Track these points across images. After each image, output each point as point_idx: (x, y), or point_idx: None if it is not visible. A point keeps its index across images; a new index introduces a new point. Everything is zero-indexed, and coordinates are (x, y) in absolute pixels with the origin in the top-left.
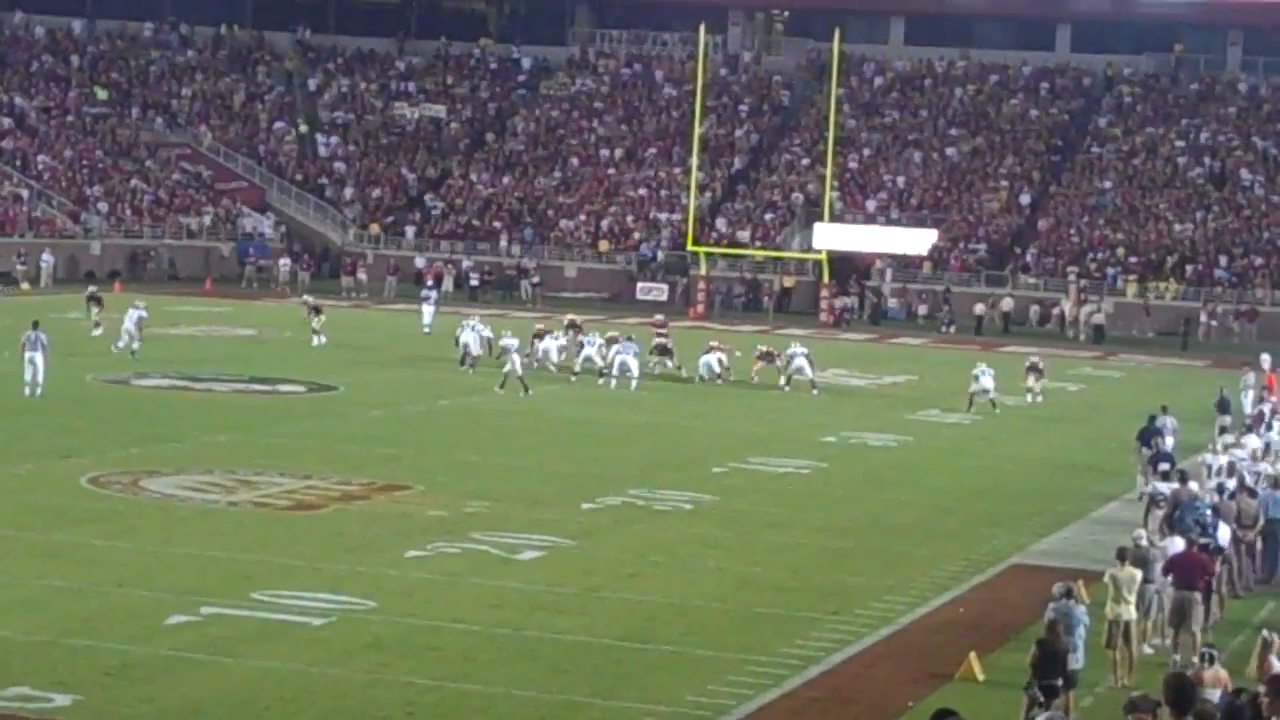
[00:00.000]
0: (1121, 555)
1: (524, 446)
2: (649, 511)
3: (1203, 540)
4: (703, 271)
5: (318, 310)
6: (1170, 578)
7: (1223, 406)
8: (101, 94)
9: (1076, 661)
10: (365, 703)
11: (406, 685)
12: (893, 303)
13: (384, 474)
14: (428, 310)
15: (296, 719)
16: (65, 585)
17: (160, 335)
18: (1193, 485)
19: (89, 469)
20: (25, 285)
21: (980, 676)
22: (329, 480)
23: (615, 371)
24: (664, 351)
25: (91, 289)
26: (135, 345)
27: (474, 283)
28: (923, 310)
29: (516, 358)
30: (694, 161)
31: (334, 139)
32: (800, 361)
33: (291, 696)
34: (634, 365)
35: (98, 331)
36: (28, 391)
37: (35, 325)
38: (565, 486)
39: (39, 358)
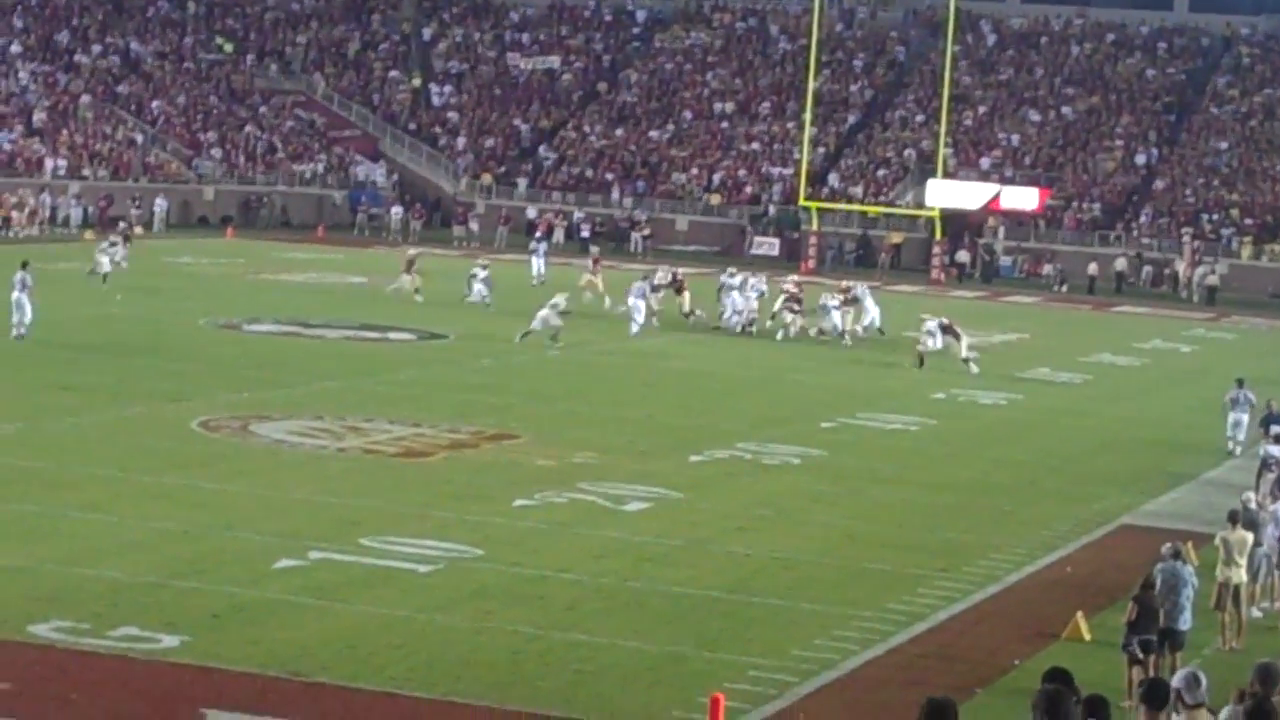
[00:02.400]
0: (1233, 518)
1: (632, 398)
2: (757, 465)
3: None
4: (814, 227)
5: (411, 265)
6: None
7: None
8: (228, 47)
9: (1184, 623)
10: (471, 650)
11: (512, 633)
12: (1005, 260)
13: (492, 423)
14: (537, 262)
15: (401, 665)
16: (174, 527)
17: (271, 281)
18: None
19: (199, 412)
20: (139, 229)
21: (1087, 636)
22: (438, 428)
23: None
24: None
25: (122, 225)
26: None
27: (585, 234)
28: (1040, 269)
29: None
30: (807, 116)
31: (448, 88)
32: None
33: (397, 643)
34: (640, 308)
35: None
36: (14, 333)
37: (24, 265)
38: (673, 438)
39: (25, 299)
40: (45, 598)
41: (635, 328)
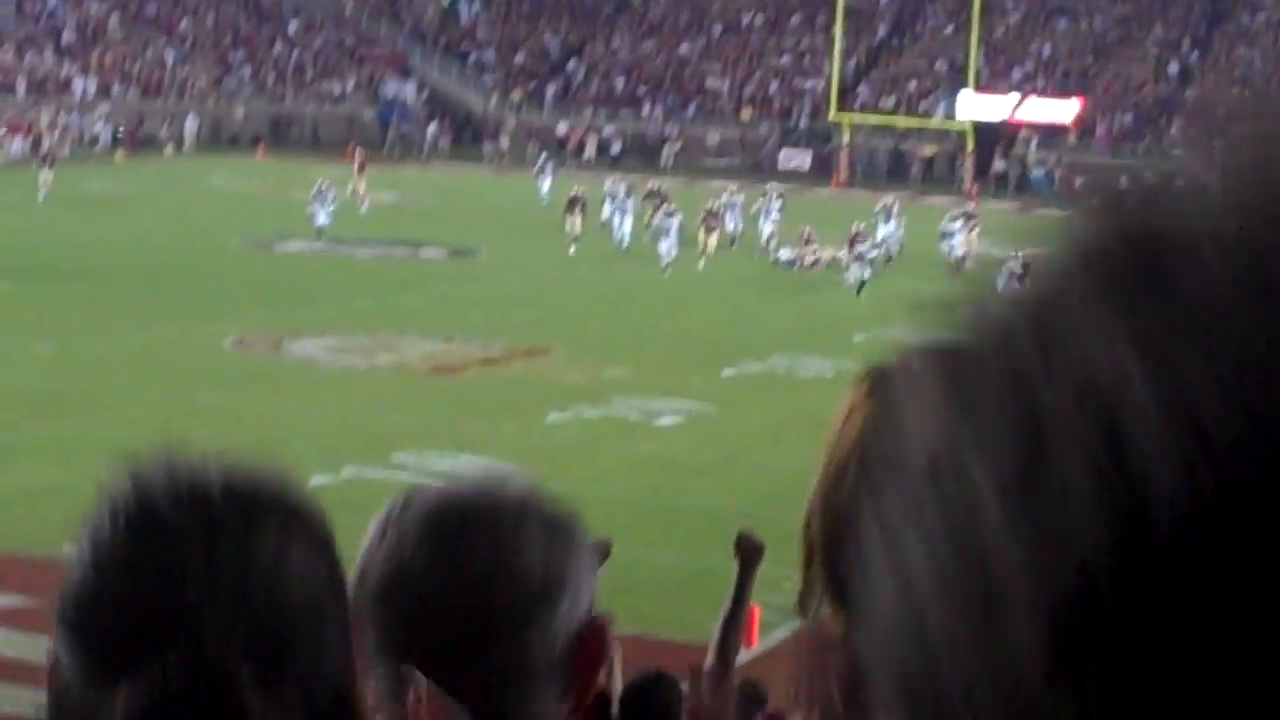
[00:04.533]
0: None
1: (664, 311)
2: (790, 378)
3: None
4: (845, 140)
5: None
6: None
7: None
8: None
9: None
10: None
11: None
12: (1038, 172)
13: (524, 338)
14: (544, 181)
15: None
16: (206, 446)
17: (302, 200)
18: None
19: (231, 332)
20: (169, 149)
21: None
22: (469, 344)
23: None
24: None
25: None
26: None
27: (615, 151)
28: (1075, 180)
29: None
30: (838, 29)
31: (475, 3)
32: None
33: None
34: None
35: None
36: None
37: None
38: (706, 352)
39: None
40: (79, 516)
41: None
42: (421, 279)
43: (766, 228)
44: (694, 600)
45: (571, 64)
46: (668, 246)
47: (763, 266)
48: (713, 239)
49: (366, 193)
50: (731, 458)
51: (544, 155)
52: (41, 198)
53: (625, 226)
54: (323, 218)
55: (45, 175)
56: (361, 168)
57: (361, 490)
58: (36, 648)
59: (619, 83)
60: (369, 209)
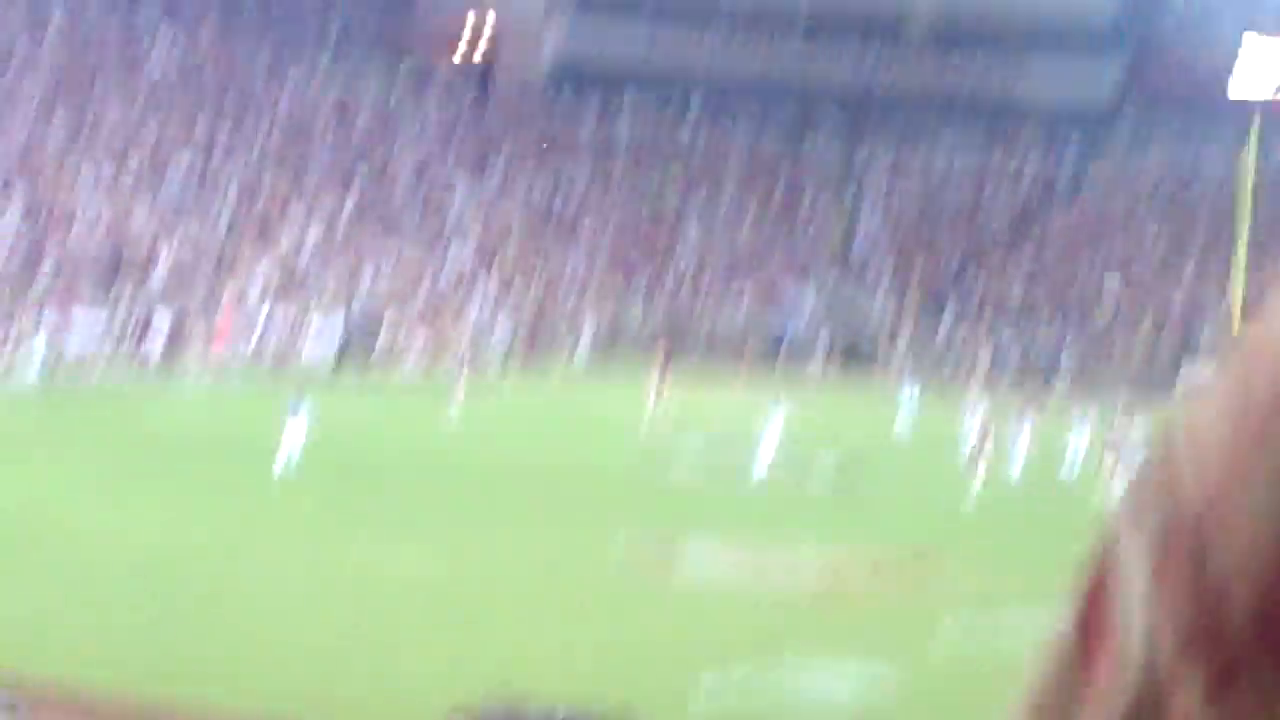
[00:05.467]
0: None
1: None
2: None
3: None
4: None
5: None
6: None
7: None
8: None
9: None
10: None
11: None
12: None
13: (915, 539)
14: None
15: None
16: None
17: (689, 417)
18: None
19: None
20: (564, 362)
21: None
22: (857, 551)
23: None
24: None
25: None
26: None
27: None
28: None
29: None
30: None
31: (876, 222)
32: None
33: None
34: None
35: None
36: None
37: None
38: None
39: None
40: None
41: None
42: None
43: None
44: None
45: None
46: None
47: None
48: None
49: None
50: None
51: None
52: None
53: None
54: None
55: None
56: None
57: (751, 701)
58: None
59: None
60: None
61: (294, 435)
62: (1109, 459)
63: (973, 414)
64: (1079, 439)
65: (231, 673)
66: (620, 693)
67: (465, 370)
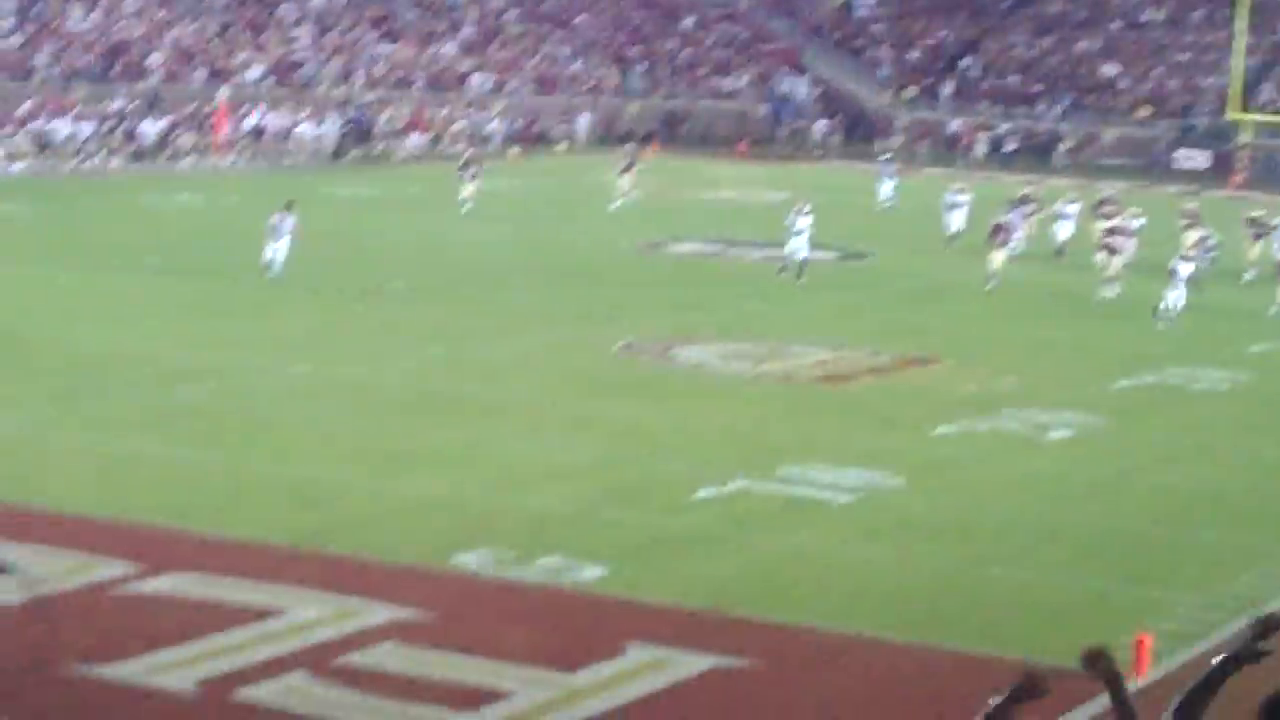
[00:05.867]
0: None
1: (1057, 321)
2: (1184, 392)
3: None
4: (1245, 139)
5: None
6: None
7: None
8: None
9: None
10: (892, 585)
11: (934, 568)
12: None
13: (914, 346)
14: (886, 185)
15: (822, 599)
16: (597, 455)
17: (693, 199)
18: None
19: (621, 336)
20: (563, 145)
21: None
22: (858, 351)
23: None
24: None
25: (468, 154)
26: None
27: (1009, 148)
28: None
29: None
30: (1241, 26)
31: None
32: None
33: (815, 575)
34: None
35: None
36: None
37: (288, 206)
38: (1098, 363)
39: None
40: (470, 526)
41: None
42: (810, 282)
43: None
44: (1086, 624)
45: (966, 61)
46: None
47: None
48: (1116, 261)
49: (632, 189)
50: (1124, 475)
51: (887, 155)
52: (464, 212)
53: (1063, 233)
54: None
55: (468, 188)
56: (630, 168)
57: (748, 503)
58: (427, 662)
59: (1013, 80)
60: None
61: (280, 243)
62: (1103, 239)
63: (961, 192)
64: (1069, 221)
65: (232, 494)
66: (621, 494)
67: (468, 167)
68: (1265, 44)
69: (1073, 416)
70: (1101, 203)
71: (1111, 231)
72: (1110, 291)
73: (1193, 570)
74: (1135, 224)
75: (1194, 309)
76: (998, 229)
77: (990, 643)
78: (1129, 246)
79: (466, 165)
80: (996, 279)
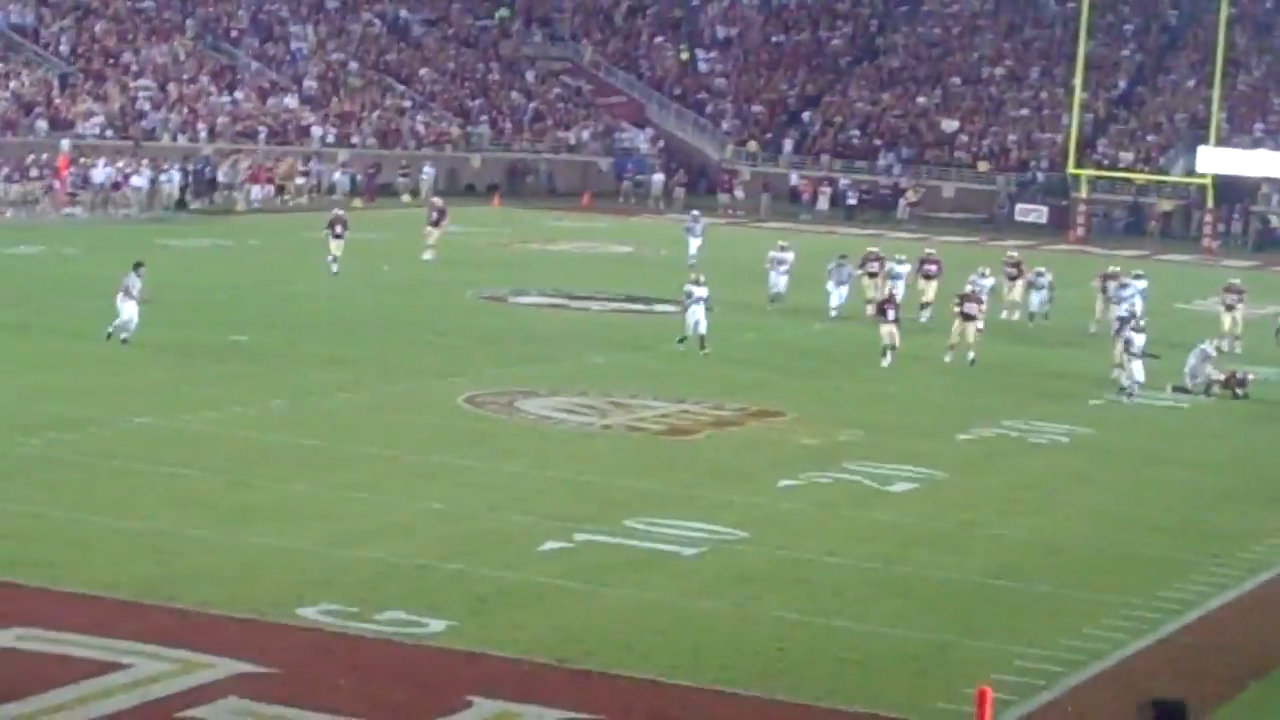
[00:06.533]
0: None
1: (896, 375)
2: (1024, 444)
3: None
4: (1083, 194)
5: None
6: None
7: None
8: (503, 13)
9: None
10: (735, 637)
11: (777, 620)
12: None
13: (756, 399)
14: (693, 242)
15: (667, 652)
16: (440, 508)
17: (538, 251)
18: None
19: (465, 388)
20: (406, 197)
21: None
22: (702, 405)
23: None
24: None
25: (335, 213)
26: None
27: (851, 201)
28: None
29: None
30: (1077, 81)
31: (713, 54)
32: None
33: (663, 629)
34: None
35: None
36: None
37: (136, 267)
38: (939, 416)
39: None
40: (313, 580)
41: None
42: (655, 336)
43: (1036, 299)
44: (926, 676)
45: (808, 115)
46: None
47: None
48: (970, 328)
49: (435, 245)
50: (965, 526)
51: (695, 212)
52: (335, 270)
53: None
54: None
55: (335, 246)
56: (438, 222)
57: (594, 555)
58: (270, 717)
59: (854, 134)
60: (432, 260)
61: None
62: (963, 321)
63: (784, 249)
64: (900, 281)
65: (75, 547)
66: (466, 547)
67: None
68: (1102, 100)
69: (914, 469)
70: (924, 261)
71: (965, 299)
72: (970, 354)
73: (1033, 622)
74: (986, 283)
75: (1034, 362)
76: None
77: (833, 695)
78: (981, 311)
79: (333, 224)
80: (891, 355)
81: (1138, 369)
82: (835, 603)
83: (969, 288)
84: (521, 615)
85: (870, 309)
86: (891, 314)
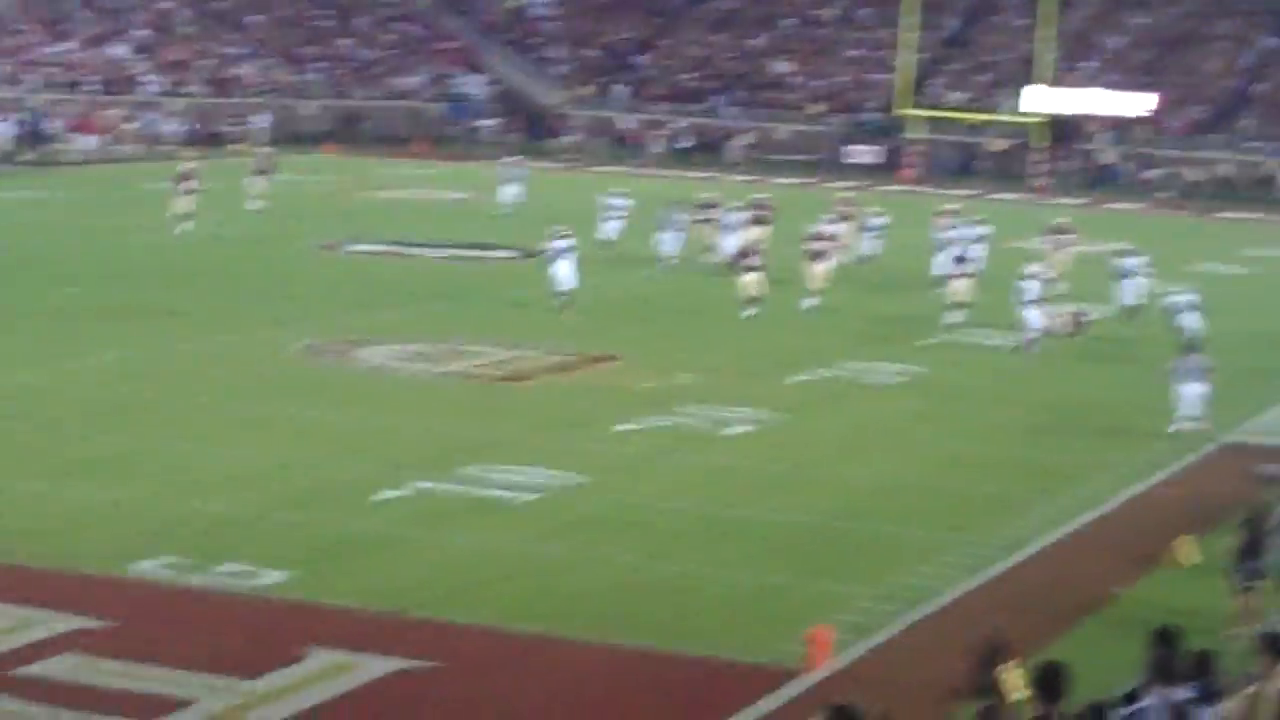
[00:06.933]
0: None
1: (730, 319)
2: (858, 385)
3: None
4: (914, 134)
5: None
6: None
7: None
8: None
9: None
10: (573, 582)
11: (615, 565)
12: (1116, 165)
13: (592, 344)
14: (513, 190)
15: (504, 599)
16: (276, 458)
17: (372, 199)
18: None
19: (301, 337)
20: (240, 145)
21: (1187, 561)
22: (538, 350)
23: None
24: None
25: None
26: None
27: (684, 145)
28: (1146, 174)
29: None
30: (908, 21)
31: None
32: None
33: (500, 576)
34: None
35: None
36: None
37: None
38: (775, 358)
39: None
40: (148, 533)
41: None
42: (492, 282)
43: (868, 246)
44: (765, 618)
45: (641, 59)
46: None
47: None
48: (819, 268)
49: (263, 194)
50: (801, 468)
51: (517, 155)
52: (178, 232)
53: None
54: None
55: (182, 201)
56: (265, 171)
57: (430, 504)
58: (108, 671)
59: (687, 78)
60: (260, 210)
61: None
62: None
63: (619, 196)
64: (736, 220)
65: None
66: (303, 497)
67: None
68: (933, 41)
69: (750, 412)
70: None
71: (816, 237)
72: (811, 301)
73: (869, 563)
74: (831, 229)
75: (866, 305)
76: (744, 253)
77: (671, 639)
78: (830, 250)
79: (182, 178)
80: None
81: (1034, 317)
82: (672, 547)
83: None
84: (359, 565)
85: (711, 256)
86: (756, 262)
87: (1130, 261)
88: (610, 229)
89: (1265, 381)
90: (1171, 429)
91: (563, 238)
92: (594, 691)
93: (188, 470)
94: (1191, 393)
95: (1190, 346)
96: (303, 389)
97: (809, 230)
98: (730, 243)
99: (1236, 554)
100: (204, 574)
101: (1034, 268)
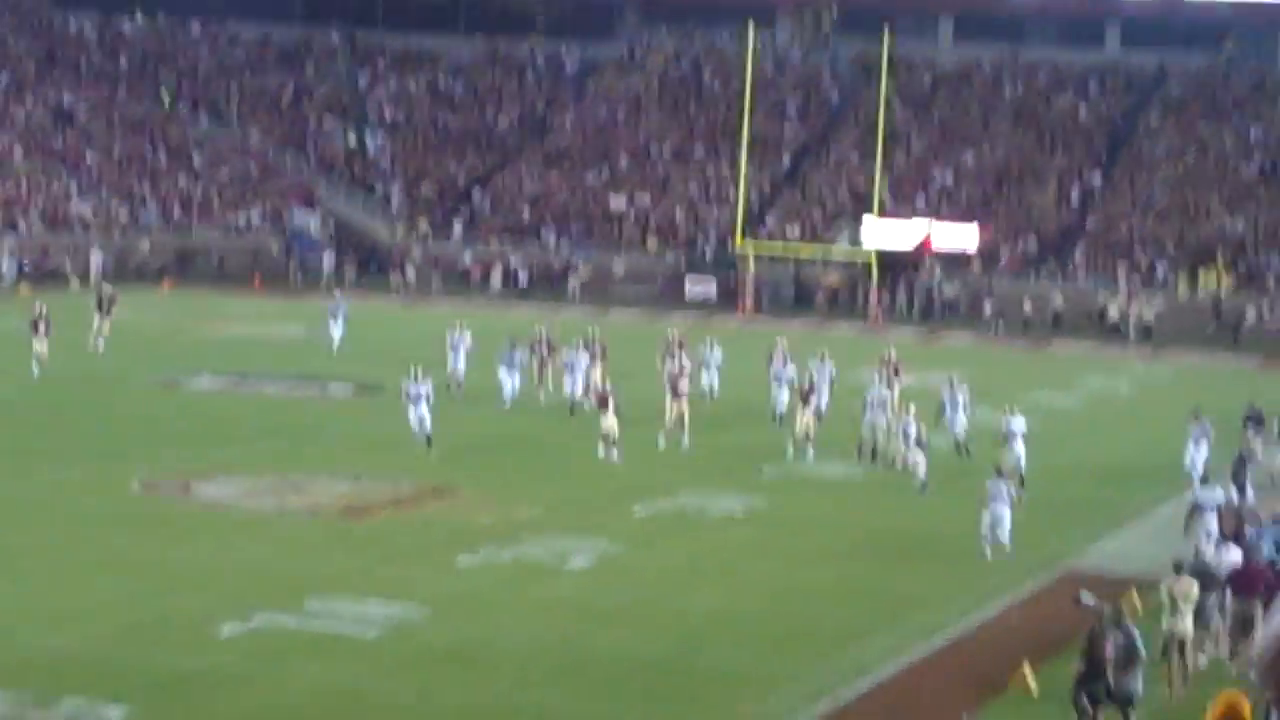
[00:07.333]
0: (1177, 567)
1: (572, 452)
2: (700, 516)
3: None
4: (750, 269)
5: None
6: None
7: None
8: (165, 99)
9: (1138, 686)
10: (420, 718)
11: (461, 699)
12: (947, 295)
13: (433, 476)
14: (335, 328)
15: None
16: (117, 594)
17: (210, 334)
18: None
19: (139, 473)
20: (75, 282)
21: (1033, 687)
22: (379, 483)
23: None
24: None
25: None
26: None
27: (522, 281)
28: (983, 308)
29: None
30: (743, 158)
31: (380, 135)
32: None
33: (344, 711)
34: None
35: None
36: None
37: None
38: (616, 489)
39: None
40: None
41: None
42: (330, 416)
43: (707, 378)
44: None
45: (477, 195)
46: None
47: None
48: (683, 404)
49: (104, 333)
50: (643, 601)
51: (338, 294)
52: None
53: (514, 381)
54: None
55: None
56: (107, 309)
57: (273, 639)
58: None
59: (524, 213)
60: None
61: None
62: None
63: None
64: (580, 360)
65: None
66: (144, 633)
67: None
68: (767, 176)
69: (592, 544)
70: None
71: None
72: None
73: (712, 693)
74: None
75: (707, 438)
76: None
77: None
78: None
79: (36, 323)
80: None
81: (921, 459)
82: (516, 683)
83: (674, 366)
84: (201, 701)
85: (543, 394)
86: (611, 405)
87: (960, 394)
88: (454, 363)
89: (1099, 511)
90: (983, 551)
91: (418, 381)
92: None
93: (26, 608)
94: (998, 514)
95: (1000, 471)
96: (144, 525)
97: (669, 366)
98: (574, 381)
99: (1077, 681)
100: (44, 710)
101: (912, 408)
